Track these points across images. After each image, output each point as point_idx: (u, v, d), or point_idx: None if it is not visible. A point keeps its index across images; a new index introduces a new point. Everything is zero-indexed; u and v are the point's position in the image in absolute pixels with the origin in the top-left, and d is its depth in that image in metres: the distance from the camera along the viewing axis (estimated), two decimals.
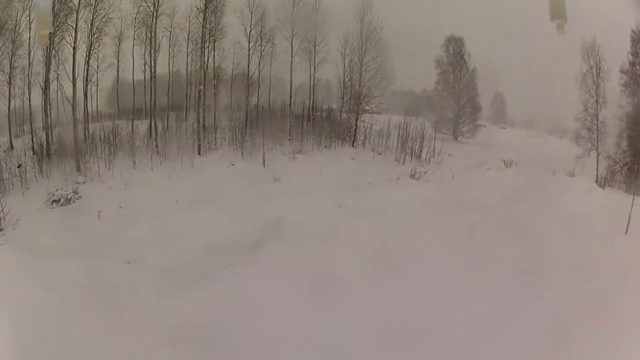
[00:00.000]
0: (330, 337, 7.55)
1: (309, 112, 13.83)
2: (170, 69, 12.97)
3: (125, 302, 7.91)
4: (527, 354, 7.41)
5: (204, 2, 12.67)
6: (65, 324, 6.96)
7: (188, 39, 12.77)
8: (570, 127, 13.47)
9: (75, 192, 10.74)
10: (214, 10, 12.73)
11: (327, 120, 13.91)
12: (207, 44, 12.78)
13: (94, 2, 11.77)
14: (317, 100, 14.02)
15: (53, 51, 11.42)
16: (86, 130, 11.94)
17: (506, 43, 12.12)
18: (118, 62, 12.48)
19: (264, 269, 8.98)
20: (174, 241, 9.53)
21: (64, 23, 11.32)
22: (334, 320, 7.88)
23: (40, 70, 11.53)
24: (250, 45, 13.17)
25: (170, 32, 12.64)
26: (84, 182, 11.13)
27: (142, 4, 12.37)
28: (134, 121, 12.69)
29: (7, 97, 11.36)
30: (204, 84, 12.72)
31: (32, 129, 11.56)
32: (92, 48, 11.89)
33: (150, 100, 12.55)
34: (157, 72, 12.86)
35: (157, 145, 12.32)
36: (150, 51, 12.44)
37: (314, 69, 13.51)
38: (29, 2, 11.24)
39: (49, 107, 11.52)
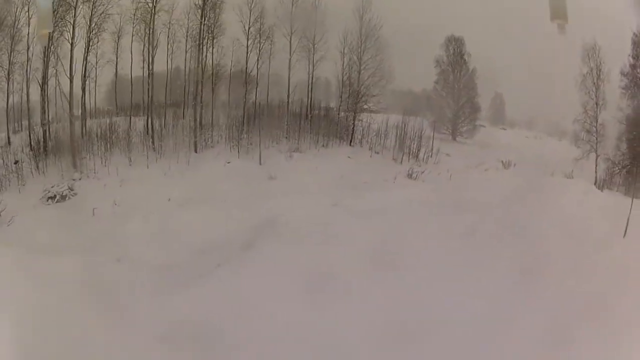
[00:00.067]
0: (328, 336, 7.56)
1: (306, 111, 13.80)
2: (169, 65, 12.97)
3: (119, 300, 7.92)
4: (526, 354, 7.41)
5: None
6: (59, 321, 6.97)
7: (187, 36, 12.75)
8: (570, 129, 13.40)
9: (71, 189, 10.75)
10: (212, 7, 12.70)
11: (325, 119, 13.87)
12: (206, 41, 12.75)
13: None
14: (317, 99, 14.00)
15: (52, 47, 11.40)
16: (83, 127, 11.94)
17: (506, 43, 12.04)
18: (117, 58, 12.44)
19: (260, 267, 9.00)
20: (169, 239, 9.54)
21: (62, 19, 11.31)
22: (331, 319, 7.89)
23: (39, 66, 11.54)
24: (249, 43, 13.13)
25: (169, 29, 12.61)
26: (79, 179, 11.14)
27: (140, 0, 12.35)
28: (132, 118, 12.65)
29: (6, 93, 11.36)
30: (201, 82, 12.72)
31: (29, 125, 11.56)
32: (90, 44, 11.86)
33: (148, 97, 12.53)
34: (156, 69, 12.84)
35: (153, 143, 12.31)
36: (148, 48, 12.41)
37: (313, 67, 13.47)
38: None
39: (47, 103, 11.52)
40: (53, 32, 11.18)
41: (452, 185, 12.66)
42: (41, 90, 11.40)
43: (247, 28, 13.07)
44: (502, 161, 13.63)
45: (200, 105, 12.91)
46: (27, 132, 11.68)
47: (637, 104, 12.68)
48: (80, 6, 11.48)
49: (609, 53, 12.60)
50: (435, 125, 14.30)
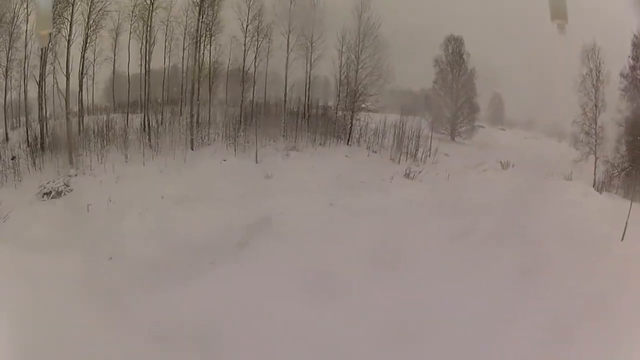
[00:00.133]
0: (328, 335, 7.61)
1: (304, 109, 13.79)
2: (167, 63, 12.94)
3: (113, 299, 7.94)
4: (526, 354, 7.49)
5: None
6: (52, 319, 7.05)
7: (185, 33, 12.74)
8: (569, 130, 13.34)
9: (67, 185, 10.77)
10: (210, 4, 12.67)
11: (323, 118, 13.83)
12: (204, 38, 12.73)
13: None
14: (316, 98, 13.99)
15: (49, 44, 11.35)
16: (80, 124, 11.92)
17: (506, 43, 11.98)
18: (115, 55, 12.42)
19: (255, 266, 9.06)
20: (163, 237, 9.54)
21: (59, 16, 11.30)
22: (330, 319, 7.95)
23: (37, 63, 11.52)
24: (247, 41, 13.08)
25: (167, 26, 12.60)
26: (75, 175, 11.13)
27: None
28: (129, 115, 12.64)
29: (3, 89, 11.34)
30: (199, 79, 12.73)
31: (27, 121, 11.57)
32: (88, 41, 11.87)
33: (145, 94, 12.49)
34: (155, 66, 12.80)
35: (150, 140, 12.30)
36: (146, 45, 12.39)
37: (310, 66, 13.47)
38: None
39: (44, 100, 11.53)
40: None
41: (450, 185, 12.61)
42: (38, 87, 11.40)
43: (245, 26, 13.04)
44: (501, 162, 13.55)
45: (197, 102, 12.89)
46: (25, 129, 11.68)
47: (637, 106, 12.63)
48: (79, 3, 11.49)
49: (609, 54, 12.55)
50: (433, 125, 14.26)
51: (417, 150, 13.66)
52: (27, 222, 9.44)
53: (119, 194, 10.58)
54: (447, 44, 14.04)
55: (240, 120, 13.07)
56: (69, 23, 11.35)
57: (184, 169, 11.78)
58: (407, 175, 12.87)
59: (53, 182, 10.70)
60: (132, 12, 12.27)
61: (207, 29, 12.78)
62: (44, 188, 10.61)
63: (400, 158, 13.54)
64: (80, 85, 11.96)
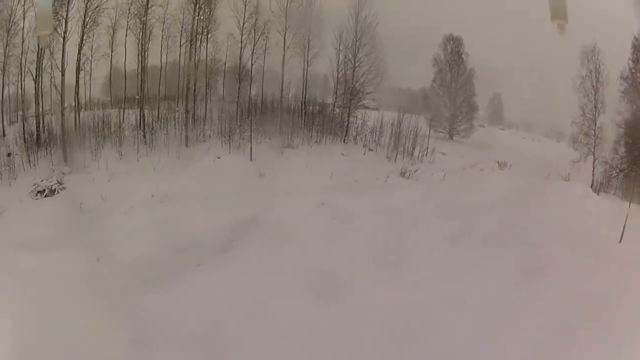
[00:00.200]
0: (326, 335, 7.69)
1: (301, 107, 13.73)
2: (164, 60, 12.91)
3: (102, 298, 7.99)
4: (528, 354, 7.58)
5: None
6: (41, 319, 7.17)
7: (182, 30, 12.71)
8: (568, 131, 13.28)
9: (60, 183, 10.82)
10: (207, 1, 12.67)
11: (320, 115, 13.79)
12: (200, 35, 12.73)
13: None
14: (315, 95, 13.96)
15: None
16: (76, 120, 11.99)
17: (506, 44, 11.98)
18: (112, 51, 12.45)
19: (241, 266, 9.08)
20: (151, 236, 9.51)
21: (56, 14, 11.24)
22: (326, 319, 8.01)
23: (35, 59, 11.53)
24: (243, 38, 13.05)
25: (164, 23, 12.57)
26: (69, 173, 11.16)
27: None
28: (127, 110, 12.60)
29: (1, 85, 11.41)
30: (195, 76, 12.72)
31: (23, 117, 11.60)
32: (85, 37, 11.86)
33: (140, 90, 12.51)
34: (153, 63, 12.83)
35: (144, 136, 12.32)
36: (141, 42, 12.39)
37: (307, 64, 13.40)
38: None
39: (41, 95, 11.58)
40: None
41: (446, 185, 12.55)
42: (35, 83, 11.45)
43: (241, 23, 13.00)
44: (498, 162, 13.51)
45: (193, 99, 12.90)
46: (22, 124, 11.70)
47: (637, 108, 12.55)
48: (74, 1, 11.48)
49: (609, 56, 12.46)
50: (432, 123, 14.22)
51: (414, 148, 13.63)
52: (20, 221, 9.47)
53: (112, 192, 10.57)
54: (445, 44, 14.02)
55: (237, 118, 13.03)
56: (64, 20, 11.37)
57: (177, 167, 11.75)
58: (402, 175, 12.83)
59: (47, 180, 10.75)
60: (129, 9, 12.30)
61: (204, 26, 12.80)
62: (38, 186, 10.66)
63: (396, 156, 13.50)
64: (77, 81, 12.04)
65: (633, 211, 10.99)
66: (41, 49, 11.36)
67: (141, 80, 12.47)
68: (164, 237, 9.57)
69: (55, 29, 11.31)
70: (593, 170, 12.95)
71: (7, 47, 11.43)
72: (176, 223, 9.93)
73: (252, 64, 13.27)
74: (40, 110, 11.64)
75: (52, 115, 11.73)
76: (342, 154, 13.38)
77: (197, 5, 12.57)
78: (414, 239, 10.03)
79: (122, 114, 12.46)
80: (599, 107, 12.80)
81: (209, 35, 12.89)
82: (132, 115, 12.61)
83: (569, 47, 11.69)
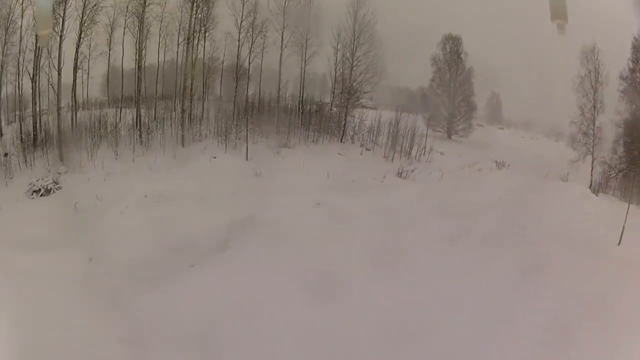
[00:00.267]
0: (324, 336, 7.67)
1: (298, 106, 13.68)
2: (162, 58, 12.97)
3: (94, 299, 7.97)
4: (526, 353, 7.58)
5: None
6: (33, 319, 7.12)
7: (180, 29, 12.68)
8: (567, 131, 13.27)
9: (56, 183, 10.84)
10: (205, 0, 12.64)
11: (317, 115, 13.74)
12: (197, 34, 12.68)
13: None
14: (314, 94, 13.90)
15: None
16: (73, 119, 11.98)
17: (505, 43, 11.92)
18: (109, 50, 12.47)
19: (237, 266, 9.05)
20: (145, 236, 9.49)
21: (54, 12, 11.22)
22: (323, 318, 7.98)
23: (33, 58, 11.57)
24: (241, 37, 13.04)
25: (161, 22, 12.58)
26: (65, 172, 11.19)
27: None
28: (124, 109, 12.67)
29: None
30: (192, 75, 12.70)
31: (20, 117, 11.65)
32: (82, 36, 11.85)
33: (136, 89, 12.50)
34: (151, 62, 12.85)
35: (140, 136, 12.30)
36: (139, 40, 12.37)
37: (305, 63, 13.34)
38: None
39: (38, 95, 11.61)
40: None
41: (443, 185, 12.51)
42: (32, 82, 11.48)
43: (239, 22, 12.97)
44: (496, 161, 13.49)
45: (190, 98, 12.89)
46: (20, 124, 11.75)
47: (636, 108, 12.50)
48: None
49: (609, 56, 12.42)
50: (430, 123, 14.18)
51: (411, 148, 13.59)
52: (16, 221, 9.49)
53: (107, 192, 10.58)
54: (444, 43, 14.00)
55: (233, 117, 13.01)
56: (61, 19, 11.36)
57: (173, 166, 11.73)
58: (399, 174, 12.79)
59: (42, 179, 10.78)
60: (127, 7, 12.28)
61: (202, 25, 12.76)
62: (34, 186, 10.69)
63: (394, 156, 13.47)
64: (75, 80, 12.02)
65: (632, 212, 10.92)
66: (38, 48, 11.37)
67: (138, 79, 12.47)
68: (160, 237, 9.55)
69: (52, 28, 11.26)
70: (592, 170, 12.94)
71: (5, 46, 11.45)
72: (172, 223, 9.89)
73: (249, 63, 13.28)
74: (38, 110, 11.65)
75: (49, 115, 11.73)
76: (339, 154, 13.36)
77: (195, 4, 12.53)
78: (411, 239, 10.01)
79: (119, 113, 12.51)
80: (598, 106, 12.78)
81: (207, 34, 12.87)
82: (129, 115, 12.62)
83: (569, 47, 11.66)
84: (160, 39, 12.72)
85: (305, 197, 11.17)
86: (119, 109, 12.62)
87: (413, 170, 12.81)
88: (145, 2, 12.22)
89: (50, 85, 11.45)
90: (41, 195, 10.64)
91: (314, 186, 11.66)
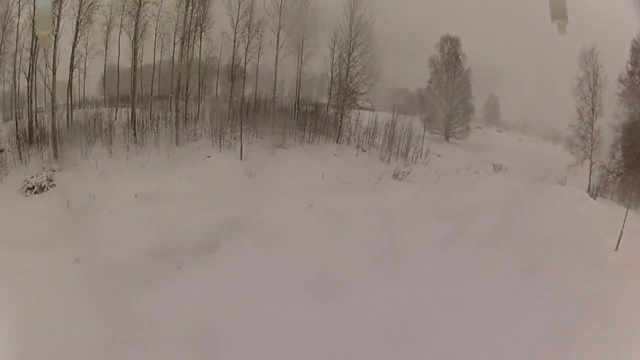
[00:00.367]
0: (323, 336, 7.68)
1: (294, 106, 13.66)
2: (158, 58, 12.92)
3: (86, 298, 7.91)
4: (526, 354, 7.59)
5: None
6: (20, 320, 7.07)
7: (176, 28, 12.70)
8: (565, 134, 13.26)
9: (50, 180, 10.86)
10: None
11: (313, 115, 13.71)
12: (194, 33, 12.74)
13: None
14: (311, 95, 13.92)
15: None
16: (68, 117, 12.02)
17: (504, 45, 11.84)
18: (106, 49, 12.46)
19: (230, 266, 9.06)
20: (139, 235, 9.42)
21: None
22: (320, 319, 7.99)
23: (29, 57, 11.61)
24: (237, 36, 12.98)
25: (157, 21, 12.58)
26: (59, 170, 11.19)
27: None
28: (120, 109, 12.66)
29: None
30: (187, 74, 12.69)
31: (17, 114, 11.68)
32: (78, 35, 11.89)
33: (132, 89, 12.53)
34: (148, 61, 12.85)
35: (135, 135, 12.29)
36: (134, 39, 12.37)
37: (301, 63, 13.35)
38: None
39: (34, 93, 11.62)
40: None
41: (439, 187, 12.44)
42: (28, 81, 11.50)
43: (235, 21, 12.93)
44: (494, 164, 13.42)
45: (185, 98, 12.87)
46: (15, 122, 11.79)
47: (634, 111, 12.40)
48: None
49: (608, 58, 12.35)
50: (427, 124, 14.19)
51: (408, 150, 13.56)
52: (8, 219, 9.41)
53: (100, 190, 10.54)
54: (442, 45, 13.94)
55: (229, 116, 12.96)
56: (56, 18, 11.35)
57: (167, 166, 11.71)
58: (395, 176, 12.73)
59: (37, 177, 10.81)
60: (123, 7, 12.29)
61: (198, 24, 12.81)
62: (28, 183, 10.72)
63: (390, 158, 13.45)
64: (70, 79, 12.08)
65: (630, 216, 10.84)
66: (35, 47, 11.38)
67: (133, 78, 12.48)
68: (152, 237, 9.48)
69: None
70: (590, 174, 12.88)
71: (3, 44, 11.50)
72: (164, 222, 9.85)
73: (245, 63, 13.26)
74: (34, 108, 11.68)
75: (45, 113, 11.76)
76: (335, 155, 13.33)
77: (191, 3, 12.57)
78: (408, 240, 9.98)
79: (114, 112, 12.50)
80: (597, 110, 12.73)
81: (203, 33, 12.94)
82: (124, 114, 12.61)
83: (568, 47, 11.58)
84: (157, 38, 12.71)
85: (299, 198, 11.10)
86: (114, 108, 12.62)
87: (409, 172, 12.74)
88: (140, 1, 12.21)
89: (46, 84, 11.47)
90: (35, 193, 10.66)
91: (308, 187, 11.56)
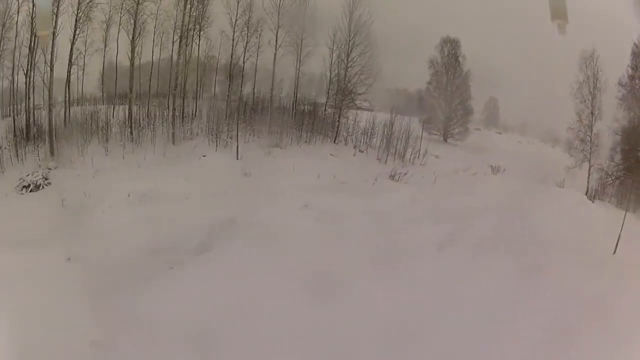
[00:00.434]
0: (322, 337, 7.64)
1: (292, 106, 13.63)
2: (156, 56, 12.93)
3: (79, 298, 7.86)
4: (526, 354, 7.55)
5: None
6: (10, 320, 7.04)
7: (174, 27, 12.66)
8: (564, 136, 13.22)
9: (45, 178, 10.84)
10: None
11: (311, 115, 13.67)
12: (192, 32, 12.71)
13: None
14: (310, 95, 13.91)
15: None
16: (66, 115, 12.06)
17: (505, 44, 11.82)
18: (105, 47, 12.47)
19: (225, 266, 8.96)
20: (134, 234, 9.43)
21: None
22: (317, 318, 7.95)
23: (28, 54, 11.64)
24: (236, 35, 12.97)
25: (156, 19, 12.56)
26: (55, 168, 11.19)
27: None
28: (118, 106, 12.64)
29: None
30: (185, 72, 12.70)
31: (14, 111, 11.70)
32: (78, 32, 11.89)
33: (130, 87, 12.47)
34: (147, 59, 12.87)
35: (131, 133, 12.28)
36: (133, 38, 12.35)
37: (299, 63, 13.35)
38: None
39: (32, 90, 11.64)
40: None
41: (436, 189, 12.41)
42: (26, 78, 11.52)
43: (234, 20, 12.91)
44: (492, 166, 13.37)
45: (183, 96, 12.89)
46: (19, 118, 11.80)
47: (634, 115, 12.34)
48: None
49: (607, 62, 12.34)
50: (426, 125, 14.15)
51: (405, 150, 13.55)
52: (2, 217, 9.37)
53: (96, 189, 10.50)
54: (442, 46, 13.91)
55: (226, 115, 12.96)
56: (54, 15, 11.28)
57: (162, 164, 11.70)
58: (392, 177, 12.70)
59: (32, 175, 10.79)
60: (122, 5, 12.29)
61: (196, 23, 12.79)
62: (23, 181, 10.69)
63: (387, 158, 13.43)
64: (69, 76, 12.09)
65: (628, 219, 10.80)
66: (34, 44, 11.41)
67: (131, 76, 12.45)
68: (148, 235, 9.51)
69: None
70: (588, 177, 12.85)
71: (2, 41, 11.51)
72: (159, 221, 9.88)
73: (244, 62, 13.23)
74: (32, 105, 11.69)
75: (43, 110, 11.76)
76: (332, 155, 13.30)
77: (189, 1, 12.53)
78: (405, 241, 9.94)
79: (111, 110, 12.51)
80: (596, 113, 12.71)
81: (202, 32, 12.92)
82: (122, 112, 12.59)
83: (568, 47, 11.51)
84: (155, 36, 12.69)
85: (295, 198, 11.07)
86: (112, 106, 12.61)
87: (406, 173, 12.72)
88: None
89: (43, 81, 11.47)
90: (30, 191, 10.64)
91: (304, 187, 11.55)
